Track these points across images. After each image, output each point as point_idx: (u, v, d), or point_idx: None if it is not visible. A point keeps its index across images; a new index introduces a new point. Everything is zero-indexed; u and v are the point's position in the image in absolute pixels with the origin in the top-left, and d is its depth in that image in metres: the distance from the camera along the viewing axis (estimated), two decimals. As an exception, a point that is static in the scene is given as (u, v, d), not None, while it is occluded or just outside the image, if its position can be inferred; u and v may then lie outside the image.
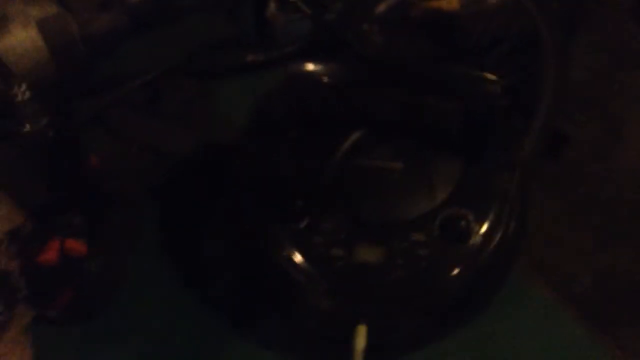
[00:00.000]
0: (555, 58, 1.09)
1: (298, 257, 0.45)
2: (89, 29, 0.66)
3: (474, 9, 1.09)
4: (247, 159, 0.50)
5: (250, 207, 0.48)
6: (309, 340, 0.48)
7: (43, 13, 0.62)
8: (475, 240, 0.44)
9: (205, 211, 0.56)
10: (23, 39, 0.61)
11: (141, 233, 0.54)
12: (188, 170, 0.61)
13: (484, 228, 0.45)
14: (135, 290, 0.51)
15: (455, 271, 0.44)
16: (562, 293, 0.57)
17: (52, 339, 0.48)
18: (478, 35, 1.09)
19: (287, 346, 0.49)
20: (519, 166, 0.47)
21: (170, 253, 0.54)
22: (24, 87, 0.40)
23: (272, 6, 0.84)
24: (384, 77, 0.48)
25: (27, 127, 0.41)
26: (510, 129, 0.49)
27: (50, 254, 0.46)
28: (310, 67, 0.47)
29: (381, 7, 0.92)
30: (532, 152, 1.08)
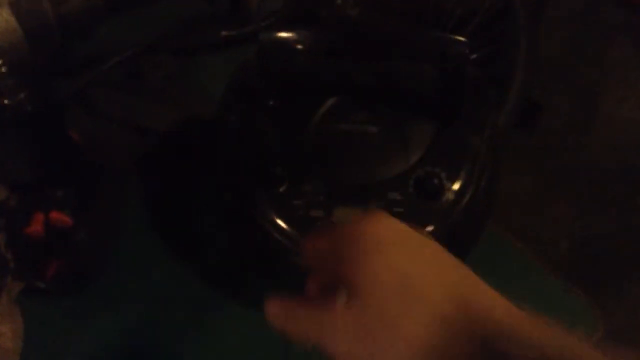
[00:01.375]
0: (527, 28, 1.11)
1: (279, 220, 0.47)
2: (62, 9, 0.66)
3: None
4: (226, 129, 0.51)
5: (231, 174, 0.50)
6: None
7: (16, -6, 0.62)
8: (448, 197, 0.46)
9: (190, 183, 0.58)
10: (-3, 21, 0.61)
11: (127, 205, 0.55)
12: (169, 145, 0.62)
13: (456, 186, 0.46)
14: (124, 260, 0.52)
15: (430, 227, 0.46)
16: (540, 260, 0.59)
17: (42, 309, 0.49)
18: (451, 8, 1.10)
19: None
20: (489, 127, 0.49)
21: (157, 223, 0.55)
22: (1, 63, 0.41)
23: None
24: (357, 44, 0.50)
25: (4, 101, 0.41)
26: (481, 93, 0.51)
27: (35, 226, 0.46)
28: (283, 35, 0.48)
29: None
30: (507, 120, 1.10)
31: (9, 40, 0.62)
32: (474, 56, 1.11)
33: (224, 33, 0.73)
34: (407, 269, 0.29)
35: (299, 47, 0.48)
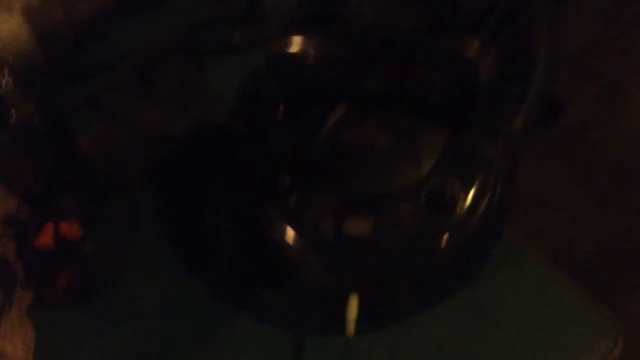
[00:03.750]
0: (548, 26, 1.08)
1: (289, 233, 0.46)
2: (75, 13, 0.66)
3: (465, -23, 1.07)
4: (236, 137, 0.51)
5: (240, 184, 0.49)
6: (304, 312, 0.49)
7: (27, 0, 0.62)
8: (461, 208, 0.45)
9: (200, 190, 0.57)
10: (8, 27, 0.61)
11: (138, 214, 0.55)
12: (182, 152, 0.61)
13: (469, 196, 0.45)
14: (135, 271, 0.52)
15: (443, 239, 0.45)
16: (561, 260, 0.58)
17: (52, 321, 0.49)
18: (471, 4, 1.08)
19: (285, 319, 0.50)
20: (504, 136, 0.47)
21: (168, 233, 0.55)
22: (6, 76, 0.40)
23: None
24: (367, 50, 0.48)
25: (12, 116, 0.41)
26: (496, 99, 0.49)
27: (45, 238, 0.46)
28: (291, 45, 0.47)
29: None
30: (525, 122, 1.07)
31: (21, 46, 0.62)
32: (493, 53, 1.08)
33: (237, 35, 0.72)
34: None
35: (308, 56, 0.47)
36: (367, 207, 0.46)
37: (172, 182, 0.59)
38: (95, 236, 0.48)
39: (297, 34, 0.48)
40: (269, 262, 0.48)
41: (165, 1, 0.76)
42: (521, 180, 0.51)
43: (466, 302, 0.50)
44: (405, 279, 0.46)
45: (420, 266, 0.46)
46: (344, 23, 0.85)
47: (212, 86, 0.67)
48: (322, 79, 0.50)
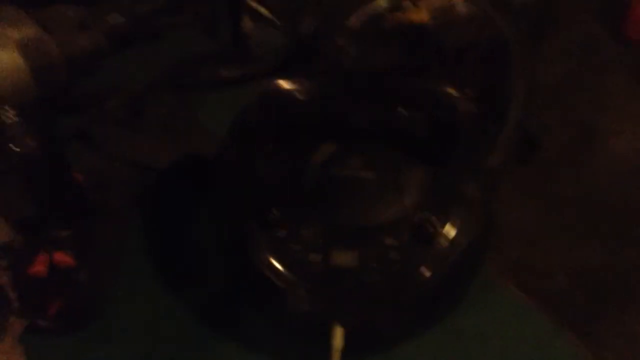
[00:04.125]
0: (523, 66, 1.12)
1: (278, 264, 0.48)
2: (68, 49, 0.68)
3: (443, 20, 1.12)
4: (227, 170, 0.53)
5: (230, 216, 0.51)
6: (290, 342, 0.51)
7: (23, 35, 0.64)
8: (443, 243, 0.47)
9: (189, 221, 0.59)
10: (4, 60, 0.63)
11: (127, 243, 0.56)
12: (170, 182, 0.63)
13: (450, 232, 0.48)
14: (124, 298, 0.53)
15: (425, 273, 0.47)
16: (536, 292, 0.60)
17: (44, 348, 0.50)
18: (448, 45, 1.12)
19: (270, 347, 0.51)
20: (483, 173, 0.50)
21: (155, 261, 0.56)
22: (11, 110, 0.42)
23: (248, 21, 0.86)
24: (353, 89, 0.51)
25: (16, 149, 0.43)
26: (475, 138, 0.52)
27: (39, 267, 0.47)
28: (281, 83, 0.50)
29: (354, 20, 0.94)
30: (502, 159, 1.10)
31: (16, 80, 0.64)
32: (471, 93, 1.12)
33: (224, 73, 0.75)
34: None
35: (296, 93, 0.50)
36: (353, 240, 0.48)
37: (160, 213, 0.60)
38: (88, 265, 0.49)
39: (286, 72, 0.51)
40: (257, 292, 0.50)
41: (157, 38, 0.78)
42: (498, 215, 0.54)
43: (446, 332, 0.52)
44: (389, 309, 0.48)
45: (404, 297, 0.48)
46: (328, 62, 0.88)
47: (201, 120, 0.69)
48: (310, 116, 0.52)
